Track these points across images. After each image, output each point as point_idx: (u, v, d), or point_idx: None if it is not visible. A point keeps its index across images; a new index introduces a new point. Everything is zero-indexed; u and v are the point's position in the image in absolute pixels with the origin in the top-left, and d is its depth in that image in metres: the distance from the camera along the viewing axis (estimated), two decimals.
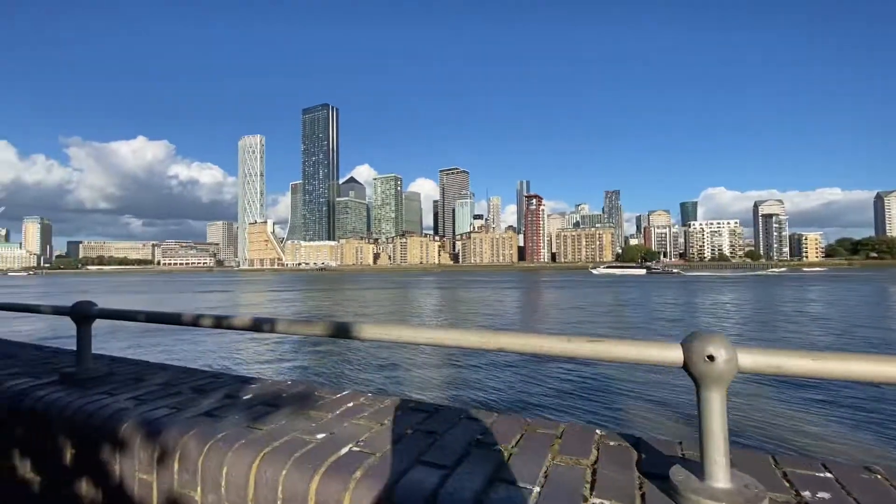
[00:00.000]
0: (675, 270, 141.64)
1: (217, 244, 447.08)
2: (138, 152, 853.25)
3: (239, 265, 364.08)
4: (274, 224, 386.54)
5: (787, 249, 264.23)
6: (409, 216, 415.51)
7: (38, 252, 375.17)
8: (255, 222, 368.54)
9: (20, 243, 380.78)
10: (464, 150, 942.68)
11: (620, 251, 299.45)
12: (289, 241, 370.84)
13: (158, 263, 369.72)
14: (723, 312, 30.34)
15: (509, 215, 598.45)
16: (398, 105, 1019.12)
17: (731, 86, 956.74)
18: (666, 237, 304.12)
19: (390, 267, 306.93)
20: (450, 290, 60.25)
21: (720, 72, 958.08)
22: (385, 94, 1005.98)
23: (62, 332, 18.83)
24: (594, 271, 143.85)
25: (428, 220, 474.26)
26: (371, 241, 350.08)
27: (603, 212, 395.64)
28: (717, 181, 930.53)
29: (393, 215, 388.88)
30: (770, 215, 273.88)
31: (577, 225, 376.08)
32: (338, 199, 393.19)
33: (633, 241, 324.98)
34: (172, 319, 2.19)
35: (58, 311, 2.62)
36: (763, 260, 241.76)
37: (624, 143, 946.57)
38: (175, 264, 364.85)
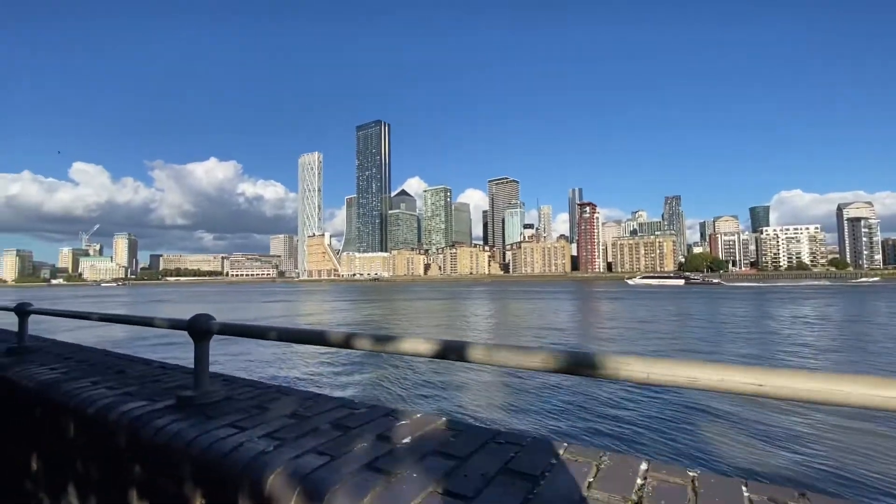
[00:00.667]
0: (714, 281, 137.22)
1: (279, 256, 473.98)
2: (210, 172, 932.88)
3: (299, 276, 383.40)
4: (331, 237, 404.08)
5: (879, 257, 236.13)
6: (458, 227, 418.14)
7: (126, 265, 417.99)
8: (314, 235, 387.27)
9: (111, 257, 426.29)
10: (513, 159, 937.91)
11: (683, 260, 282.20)
12: (344, 253, 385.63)
13: (227, 274, 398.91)
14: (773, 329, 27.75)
15: (560, 224, 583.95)
16: (447, 117, 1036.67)
17: (807, 79, 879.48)
18: (734, 244, 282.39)
19: (440, 277, 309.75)
20: (500, 301, 59.83)
21: (792, 62, 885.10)
22: (434, 106, 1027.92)
23: (150, 337, 20.92)
24: (630, 282, 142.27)
25: (477, 230, 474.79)
26: (421, 251, 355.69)
27: (662, 218, 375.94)
28: (792, 183, 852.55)
29: (443, 226, 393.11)
30: (857, 219, 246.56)
31: (634, 233, 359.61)
32: (389, 211, 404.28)
33: (698, 249, 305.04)
34: (293, 337, 1.91)
35: (175, 325, 2.35)
36: (851, 269, 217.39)
37: (684, 145, 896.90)
38: (242, 275, 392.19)
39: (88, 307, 57.33)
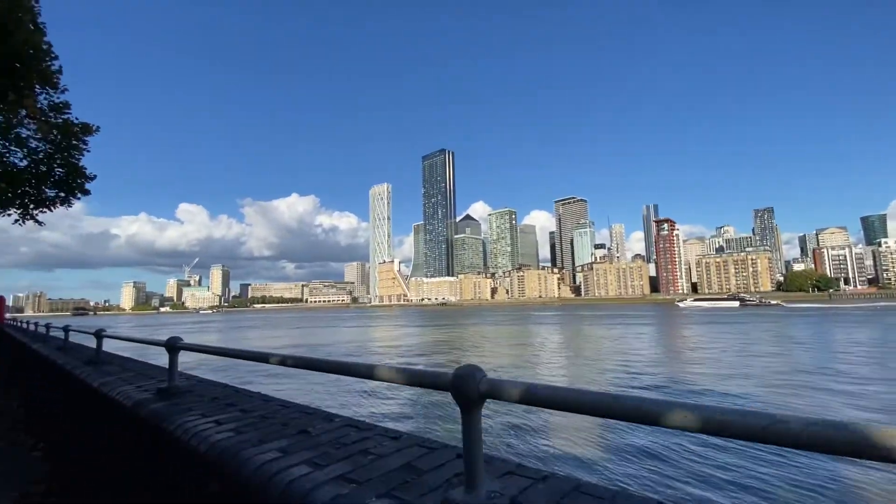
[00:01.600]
0: (773, 302, 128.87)
1: (352, 283, 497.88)
2: (292, 207, 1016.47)
3: (371, 301, 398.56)
4: (400, 263, 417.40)
5: None
6: (524, 249, 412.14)
7: (220, 293, 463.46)
8: (384, 262, 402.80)
9: (208, 286, 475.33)
10: (580, 178, 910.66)
11: (782, 278, 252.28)
12: (413, 278, 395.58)
13: (306, 301, 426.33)
14: None
15: (634, 243, 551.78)
16: (509, 140, 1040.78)
17: None
18: (845, 260, 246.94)
19: (508, 301, 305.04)
20: (572, 326, 57.04)
21: None
22: (496, 130, 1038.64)
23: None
24: (680, 304, 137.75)
25: (544, 252, 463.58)
26: (488, 275, 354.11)
27: (753, 233, 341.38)
28: None
29: (508, 249, 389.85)
30: None
31: (720, 250, 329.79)
32: (455, 236, 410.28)
33: (798, 266, 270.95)
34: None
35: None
36: None
37: (774, 151, 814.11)
38: (319, 301, 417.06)
39: (197, 333, 63.79)
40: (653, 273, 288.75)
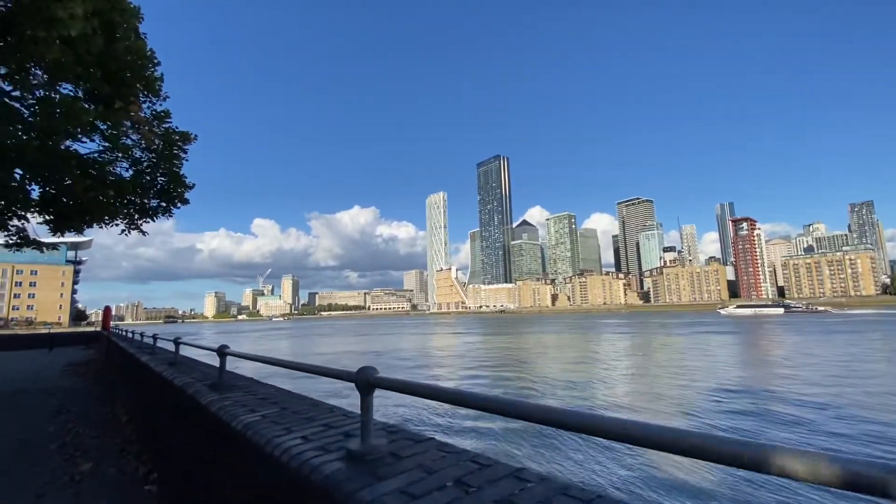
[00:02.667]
0: (820, 308, 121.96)
1: (411, 290, 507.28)
2: (354, 218, 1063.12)
3: (429, 309, 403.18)
4: (457, 270, 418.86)
5: None
6: (585, 254, 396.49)
7: (290, 302, 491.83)
8: (441, 269, 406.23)
9: (279, 295, 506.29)
10: (643, 178, 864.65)
11: (888, 280, 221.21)
12: (470, 285, 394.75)
13: (368, 308, 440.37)
14: None
15: (707, 245, 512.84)
16: (565, 143, 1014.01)
17: None
18: None
19: (570, 308, 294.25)
20: (644, 336, 52.57)
21: None
22: (551, 134, 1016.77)
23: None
24: (721, 311, 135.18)
25: (606, 256, 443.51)
26: (547, 281, 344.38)
27: (849, 230, 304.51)
28: None
29: (568, 254, 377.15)
30: None
31: (809, 250, 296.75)
32: (512, 242, 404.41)
33: None
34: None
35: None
36: None
37: (870, 137, 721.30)
38: (380, 309, 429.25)
39: (265, 341, 66.95)
40: (731, 277, 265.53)
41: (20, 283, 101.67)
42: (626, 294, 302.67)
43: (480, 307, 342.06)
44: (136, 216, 9.81)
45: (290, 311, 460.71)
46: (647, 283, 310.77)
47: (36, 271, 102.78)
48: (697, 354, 31.30)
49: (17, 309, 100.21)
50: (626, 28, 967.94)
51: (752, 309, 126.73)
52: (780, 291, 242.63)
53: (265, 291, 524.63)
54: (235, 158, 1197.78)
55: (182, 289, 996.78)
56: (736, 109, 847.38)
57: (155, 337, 9.37)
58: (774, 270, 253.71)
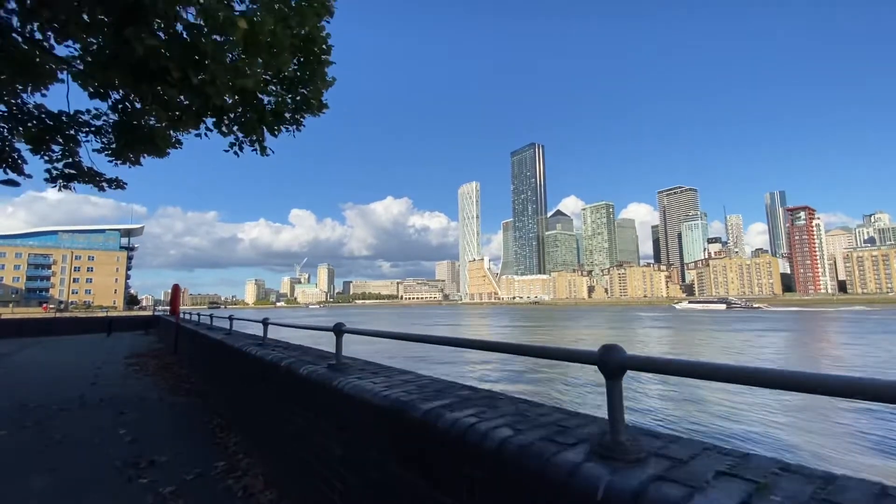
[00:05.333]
0: (756, 306, 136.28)
1: (443, 280, 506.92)
2: (388, 209, 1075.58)
3: (461, 299, 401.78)
4: (489, 261, 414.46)
5: None
6: (622, 245, 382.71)
7: (326, 290, 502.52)
8: (474, 260, 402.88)
9: (316, 284, 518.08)
10: (685, 166, 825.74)
11: None
12: (503, 276, 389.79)
13: (401, 298, 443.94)
14: None
15: (754, 236, 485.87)
16: (601, 130, 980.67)
17: None
18: None
19: (608, 301, 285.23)
20: (694, 329, 48.07)
21: None
22: (587, 121, 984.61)
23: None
24: (677, 306, 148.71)
25: (645, 248, 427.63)
26: (584, 273, 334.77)
27: None
28: None
29: (606, 245, 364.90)
30: None
31: (870, 241, 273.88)
32: (546, 232, 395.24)
33: None
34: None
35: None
36: None
37: None
38: (413, 298, 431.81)
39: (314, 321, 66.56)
40: (787, 269, 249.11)
41: (78, 268, 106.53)
42: (667, 286, 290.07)
43: (514, 298, 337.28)
44: (255, 121, 5.93)
45: (326, 298, 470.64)
46: (691, 275, 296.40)
47: (93, 257, 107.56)
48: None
49: (76, 293, 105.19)
50: (665, 13, 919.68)
51: (702, 305, 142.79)
52: (842, 286, 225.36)
53: (302, 280, 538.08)
54: (274, 149, 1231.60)
55: (224, 276, 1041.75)
56: (786, 94, 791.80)
57: (231, 318, 8.79)
58: (834, 263, 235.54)
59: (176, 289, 15.37)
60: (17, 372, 11.63)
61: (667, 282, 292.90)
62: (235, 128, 5.76)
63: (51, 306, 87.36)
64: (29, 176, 5.93)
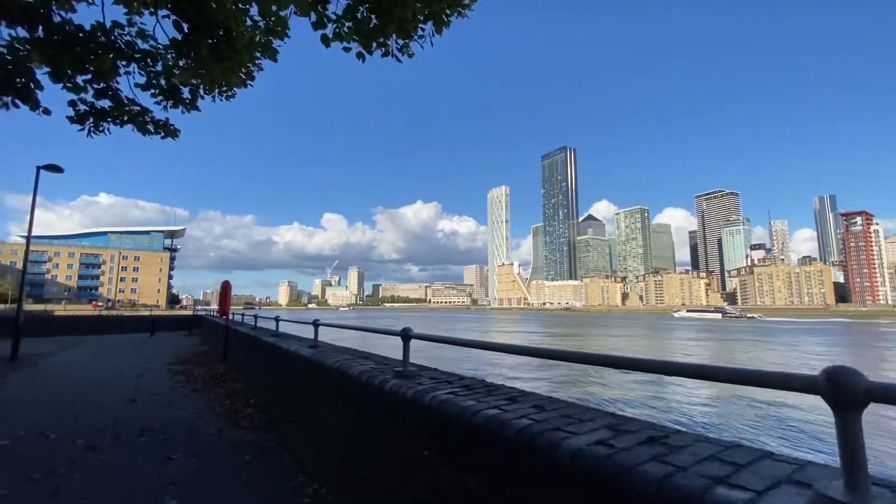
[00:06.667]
0: (749, 315, 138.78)
1: (471, 285, 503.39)
2: (417, 213, 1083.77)
3: (490, 304, 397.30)
4: (518, 266, 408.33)
5: None
6: (657, 251, 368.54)
7: (356, 293, 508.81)
8: (503, 264, 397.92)
9: (346, 286, 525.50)
10: (725, 170, 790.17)
11: None
12: (533, 281, 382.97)
13: (429, 301, 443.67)
14: None
15: (800, 243, 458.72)
16: (634, 134, 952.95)
17: None
18: None
19: (643, 308, 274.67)
20: (742, 342, 43.84)
21: None
22: (619, 125, 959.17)
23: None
24: (675, 315, 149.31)
25: (681, 254, 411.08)
26: (617, 279, 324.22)
27: None
28: None
29: (640, 251, 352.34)
30: None
31: None
32: (577, 237, 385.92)
33: None
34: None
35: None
36: None
37: None
38: (441, 302, 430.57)
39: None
40: (841, 279, 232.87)
41: (125, 267, 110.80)
42: (707, 294, 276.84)
43: (544, 304, 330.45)
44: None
45: (356, 301, 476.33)
46: (733, 282, 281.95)
47: (139, 257, 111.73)
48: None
49: (123, 291, 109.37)
50: (704, 9, 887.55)
51: (699, 314, 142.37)
52: None
53: (332, 282, 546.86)
54: (308, 156, 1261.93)
55: (259, 278, 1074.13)
56: (835, 95, 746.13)
57: (277, 320, 8.62)
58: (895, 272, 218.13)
59: (226, 287, 13.65)
60: (49, 380, 10.38)
61: (706, 289, 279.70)
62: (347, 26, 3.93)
63: (100, 304, 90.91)
64: (46, 111, 4.18)
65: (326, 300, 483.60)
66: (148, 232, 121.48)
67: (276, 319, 9.18)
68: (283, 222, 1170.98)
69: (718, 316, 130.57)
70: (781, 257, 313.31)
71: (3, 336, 16.15)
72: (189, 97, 4.44)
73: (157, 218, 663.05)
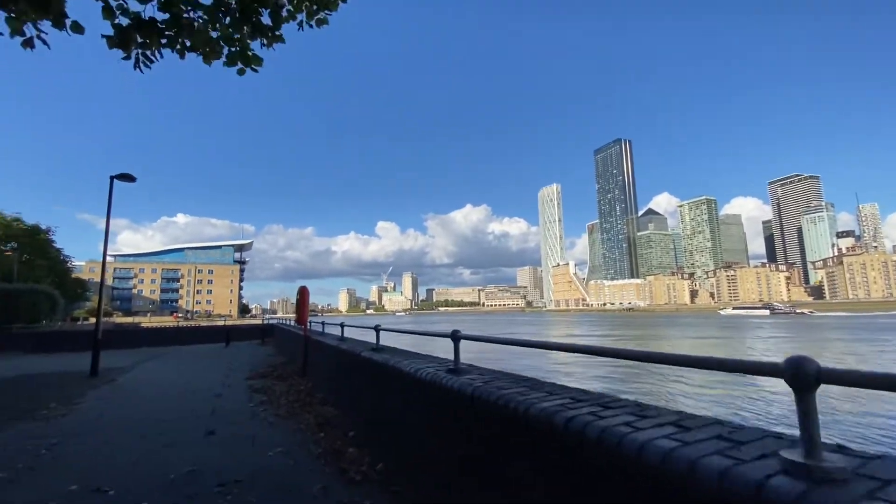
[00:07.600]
0: (798, 311, 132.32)
1: (525, 287, 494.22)
2: (467, 217, 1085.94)
3: (545, 306, 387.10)
4: (574, 265, 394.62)
5: None
6: (727, 244, 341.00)
7: (411, 297, 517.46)
8: (558, 265, 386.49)
9: (401, 292, 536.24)
10: (800, 152, 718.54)
11: None
12: (591, 281, 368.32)
13: (482, 305, 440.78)
14: None
15: (893, 228, 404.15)
16: (695, 120, 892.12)
17: None
18: None
19: (714, 306, 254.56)
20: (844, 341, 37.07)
21: None
22: (675, 114, 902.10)
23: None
24: (722, 312, 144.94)
25: (754, 247, 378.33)
26: (685, 276, 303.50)
27: None
28: None
29: (709, 244, 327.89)
30: None
31: None
32: (637, 233, 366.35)
33: None
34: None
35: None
36: None
37: None
38: (494, 305, 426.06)
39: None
40: None
41: (200, 280, 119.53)
42: (788, 289, 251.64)
43: (604, 305, 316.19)
44: None
45: (411, 306, 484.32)
46: (818, 274, 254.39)
47: (212, 270, 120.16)
48: None
49: (199, 303, 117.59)
50: None
51: (746, 311, 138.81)
52: None
53: (388, 288, 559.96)
54: (359, 162, 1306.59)
55: (320, 286, 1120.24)
56: None
57: (342, 326, 9.23)
58: None
59: (304, 293, 12.35)
60: (119, 402, 9.29)
61: (787, 283, 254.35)
62: None
63: (179, 315, 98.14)
64: (78, 28, 2.94)
65: (383, 306, 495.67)
66: (219, 247, 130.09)
67: (342, 325, 9.52)
68: (341, 232, 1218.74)
69: (766, 312, 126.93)
70: (874, 244, 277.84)
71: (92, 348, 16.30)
72: (271, 22, 3.12)
73: (227, 233, 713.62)
